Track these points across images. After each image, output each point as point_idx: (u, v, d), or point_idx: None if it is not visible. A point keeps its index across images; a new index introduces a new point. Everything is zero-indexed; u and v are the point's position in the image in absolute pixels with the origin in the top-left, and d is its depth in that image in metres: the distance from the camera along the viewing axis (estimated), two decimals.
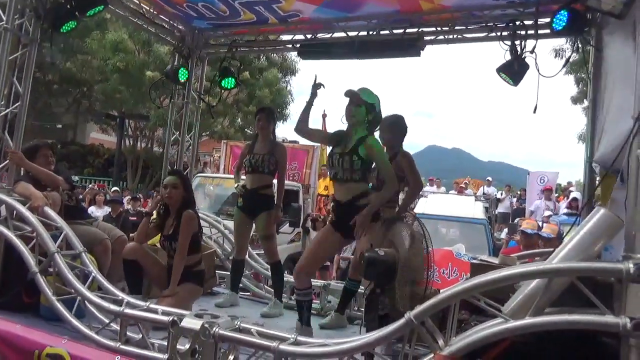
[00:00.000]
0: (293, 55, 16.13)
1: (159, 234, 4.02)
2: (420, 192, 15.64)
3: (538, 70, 4.18)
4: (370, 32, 5.02)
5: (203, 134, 16.96)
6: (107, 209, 9.27)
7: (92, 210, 9.44)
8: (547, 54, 13.17)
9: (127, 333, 3.03)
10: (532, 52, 4.28)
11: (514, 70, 4.33)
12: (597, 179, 3.92)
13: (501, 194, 15.87)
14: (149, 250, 4.05)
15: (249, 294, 5.27)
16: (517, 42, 4.35)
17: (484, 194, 16.18)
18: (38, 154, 4.03)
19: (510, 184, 17.63)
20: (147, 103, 16.41)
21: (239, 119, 19.03)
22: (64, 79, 16.46)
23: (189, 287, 3.81)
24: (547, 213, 10.58)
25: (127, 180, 17.63)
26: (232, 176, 10.37)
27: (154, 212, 4.06)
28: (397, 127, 4.18)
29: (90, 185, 13.24)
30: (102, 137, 22.43)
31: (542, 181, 12.72)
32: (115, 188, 12.72)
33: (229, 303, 4.60)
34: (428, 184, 17.46)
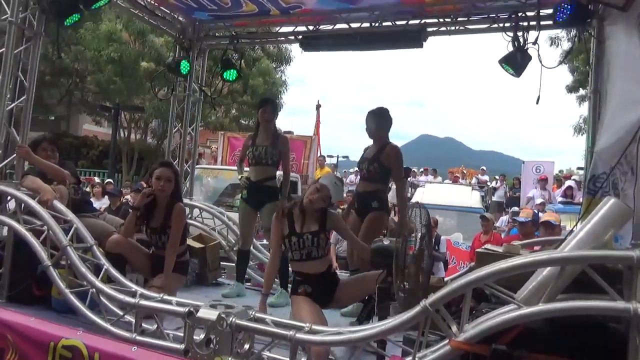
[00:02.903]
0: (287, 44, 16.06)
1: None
2: (417, 182, 15.81)
3: (540, 62, 4.24)
4: (373, 24, 5.03)
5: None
6: (105, 201, 9.26)
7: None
8: (543, 42, 13.24)
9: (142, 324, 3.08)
10: (534, 43, 4.33)
11: (516, 62, 4.38)
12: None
13: (496, 182, 16.04)
14: (133, 241, 4.01)
15: (249, 284, 5.31)
16: (520, 34, 4.39)
17: (478, 183, 16.36)
18: (38, 149, 4.02)
19: (502, 172, 17.83)
20: (142, 94, 16.29)
21: (234, 110, 18.96)
22: (57, 71, 16.26)
23: (175, 277, 3.86)
24: (539, 201, 10.74)
25: (122, 172, 17.54)
26: (230, 167, 10.43)
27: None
28: (383, 119, 4.34)
29: (82, 178, 13.15)
30: (95, 128, 22.22)
31: (537, 170, 12.86)
32: (109, 180, 12.66)
33: (236, 293, 4.64)
34: (422, 174, 17.60)
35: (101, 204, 9.35)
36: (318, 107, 12.90)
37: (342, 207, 9.50)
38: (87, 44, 14.86)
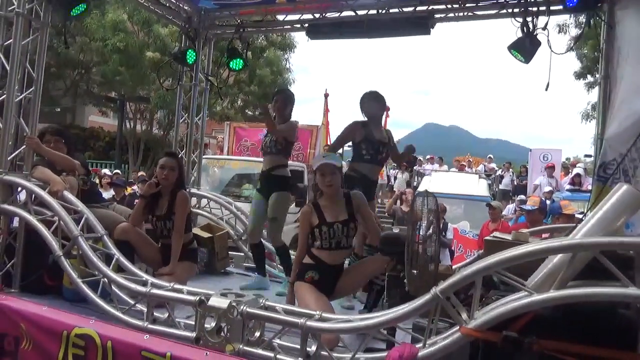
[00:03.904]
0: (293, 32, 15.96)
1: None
2: (423, 171, 15.78)
3: (550, 48, 4.20)
4: (380, 11, 4.98)
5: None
6: (112, 192, 9.33)
7: None
8: (551, 29, 13.00)
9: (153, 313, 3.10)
10: (544, 29, 4.28)
11: (525, 48, 4.33)
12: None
13: (502, 171, 15.98)
14: (141, 231, 4.08)
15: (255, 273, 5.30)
16: (529, 19, 4.34)
17: (485, 171, 16.29)
18: (42, 141, 4.02)
19: (508, 160, 17.71)
20: (147, 85, 16.27)
21: (239, 100, 18.92)
22: (62, 62, 16.25)
23: (185, 265, 3.93)
24: (547, 189, 10.71)
25: (129, 163, 17.61)
26: (237, 158, 10.46)
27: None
28: (382, 102, 4.38)
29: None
30: (101, 119, 22.28)
31: (545, 159, 12.80)
32: (116, 171, 12.75)
33: (257, 286, 4.56)
34: (428, 162, 17.55)
35: (109, 194, 9.41)
36: (326, 95, 12.83)
37: None
38: (93, 33, 14.80)
